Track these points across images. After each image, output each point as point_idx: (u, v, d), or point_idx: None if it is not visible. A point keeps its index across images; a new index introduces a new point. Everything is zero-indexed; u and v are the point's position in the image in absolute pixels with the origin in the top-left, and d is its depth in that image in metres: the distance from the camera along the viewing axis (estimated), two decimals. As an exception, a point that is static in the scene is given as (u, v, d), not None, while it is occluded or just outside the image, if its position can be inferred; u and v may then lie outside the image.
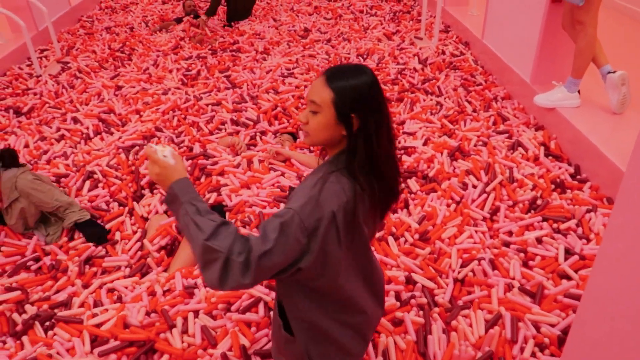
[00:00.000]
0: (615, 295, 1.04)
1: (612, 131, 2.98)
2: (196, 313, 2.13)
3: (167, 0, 7.46)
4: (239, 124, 3.74)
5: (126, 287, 2.36)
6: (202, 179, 3.09)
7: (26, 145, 3.62)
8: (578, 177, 2.94)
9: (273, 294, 2.12)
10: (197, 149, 3.35)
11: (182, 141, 3.49)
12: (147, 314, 2.15)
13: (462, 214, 2.67)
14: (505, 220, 2.64)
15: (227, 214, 2.76)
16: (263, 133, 3.66)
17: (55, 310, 2.21)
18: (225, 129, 3.70)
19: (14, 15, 4.69)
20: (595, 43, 3.06)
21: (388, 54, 4.82)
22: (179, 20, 6.32)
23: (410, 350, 1.94)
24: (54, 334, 2.09)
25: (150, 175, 1.24)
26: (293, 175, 3.01)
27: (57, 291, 2.39)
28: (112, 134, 3.76)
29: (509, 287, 2.22)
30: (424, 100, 3.96)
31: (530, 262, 2.36)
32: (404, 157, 3.21)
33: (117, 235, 2.73)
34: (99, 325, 2.10)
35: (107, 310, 2.19)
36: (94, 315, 2.16)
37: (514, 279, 2.26)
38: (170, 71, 4.85)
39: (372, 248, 1.66)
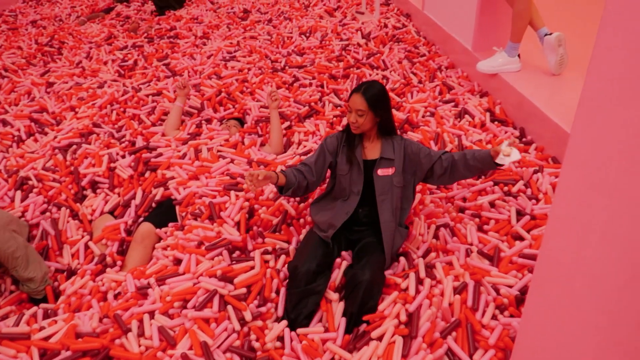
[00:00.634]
0: (569, 253, 1.05)
1: (552, 93, 3.04)
2: (152, 314, 2.04)
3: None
4: (183, 112, 3.59)
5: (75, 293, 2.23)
6: (147, 174, 2.95)
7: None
8: (524, 139, 3.00)
9: (229, 286, 2.06)
10: (139, 142, 3.19)
11: (123, 136, 3.31)
12: (100, 320, 2.03)
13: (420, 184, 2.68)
14: (458, 187, 2.67)
15: (176, 208, 2.65)
16: (208, 121, 3.53)
17: (-2, 328, 2.06)
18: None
19: None
20: (532, 6, 3.10)
21: (331, 31, 4.74)
22: (108, 11, 5.99)
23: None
24: (-1, 353, 1.94)
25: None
26: (243, 161, 2.92)
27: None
28: (46, 134, 3.52)
29: (467, 253, 2.26)
30: (370, 75, 3.92)
31: (485, 227, 2.40)
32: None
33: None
34: (47, 338, 1.97)
35: (55, 322, 2.06)
36: (42, 328, 2.02)
37: (472, 244, 2.30)
38: (105, 63, 4.59)
39: None
